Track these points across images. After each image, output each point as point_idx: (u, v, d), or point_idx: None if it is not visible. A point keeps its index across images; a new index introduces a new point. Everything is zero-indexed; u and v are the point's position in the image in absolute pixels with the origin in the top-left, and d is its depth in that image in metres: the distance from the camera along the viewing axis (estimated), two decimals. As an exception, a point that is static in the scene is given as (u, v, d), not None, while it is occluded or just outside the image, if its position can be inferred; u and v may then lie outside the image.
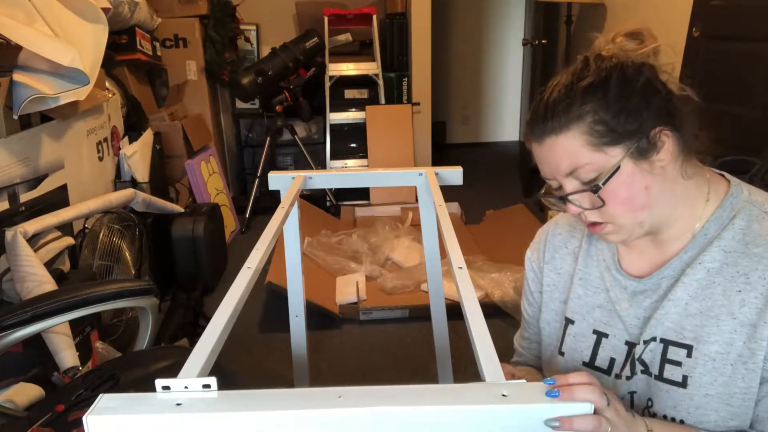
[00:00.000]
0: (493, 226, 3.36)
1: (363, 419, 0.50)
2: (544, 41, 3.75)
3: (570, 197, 0.78)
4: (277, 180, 1.22)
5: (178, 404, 0.50)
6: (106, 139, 2.35)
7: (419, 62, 3.85)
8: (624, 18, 3.02)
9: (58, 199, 1.96)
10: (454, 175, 1.25)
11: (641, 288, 0.83)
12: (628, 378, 0.83)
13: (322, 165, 3.89)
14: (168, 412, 0.49)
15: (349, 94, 3.87)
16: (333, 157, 3.82)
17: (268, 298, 2.60)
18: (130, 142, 2.54)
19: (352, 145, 3.90)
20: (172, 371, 0.53)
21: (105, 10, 2.05)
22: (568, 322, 0.92)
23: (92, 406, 0.49)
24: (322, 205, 3.67)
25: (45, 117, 1.92)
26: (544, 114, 0.76)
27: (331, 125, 3.78)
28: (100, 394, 0.51)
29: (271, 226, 0.92)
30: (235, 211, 3.58)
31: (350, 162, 3.86)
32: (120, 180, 2.47)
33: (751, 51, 1.96)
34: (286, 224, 1.23)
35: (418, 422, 0.50)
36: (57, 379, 1.46)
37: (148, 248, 2.28)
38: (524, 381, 0.54)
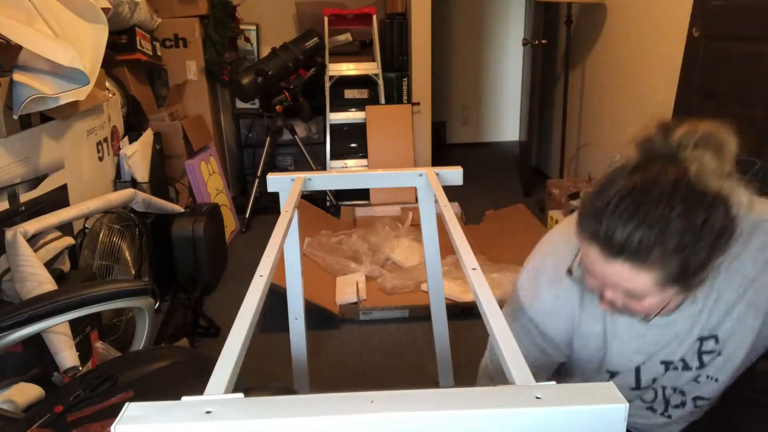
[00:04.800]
0: (493, 226, 3.35)
1: (396, 424, 0.49)
2: (544, 41, 3.75)
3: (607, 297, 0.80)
4: (275, 182, 1.22)
5: (207, 411, 0.50)
6: (106, 139, 2.35)
7: (419, 62, 3.84)
8: (624, 18, 3.02)
9: (58, 199, 1.95)
10: (455, 175, 1.25)
11: (662, 322, 0.89)
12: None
13: (322, 165, 3.88)
14: (198, 420, 0.49)
15: (349, 94, 3.86)
16: (333, 157, 3.82)
17: (268, 298, 2.60)
18: (130, 142, 2.54)
19: (352, 145, 3.90)
20: (171, 371, 0.53)
21: (105, 10, 2.05)
22: (612, 375, 0.94)
23: (119, 415, 0.48)
24: (322, 205, 3.67)
25: (45, 117, 1.91)
26: (628, 236, 0.69)
27: (331, 125, 3.78)
28: (126, 403, 0.50)
29: (277, 232, 0.91)
30: (235, 211, 3.57)
31: (350, 162, 3.85)
32: (120, 180, 2.46)
33: (751, 51, 1.95)
34: (286, 225, 1.23)
35: (452, 427, 0.49)
36: (57, 379, 1.46)
37: (148, 248, 2.28)
38: (554, 382, 0.53)
